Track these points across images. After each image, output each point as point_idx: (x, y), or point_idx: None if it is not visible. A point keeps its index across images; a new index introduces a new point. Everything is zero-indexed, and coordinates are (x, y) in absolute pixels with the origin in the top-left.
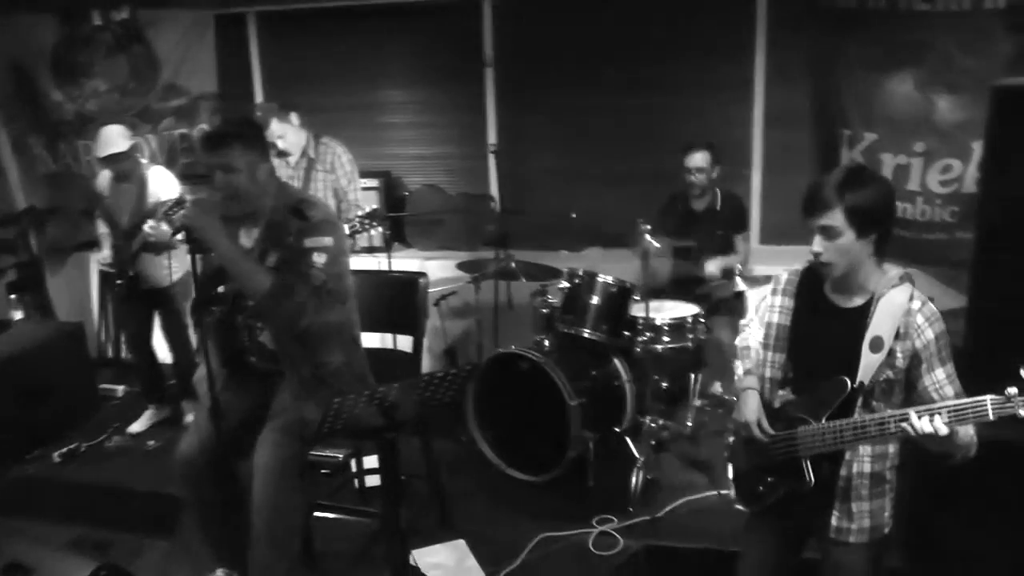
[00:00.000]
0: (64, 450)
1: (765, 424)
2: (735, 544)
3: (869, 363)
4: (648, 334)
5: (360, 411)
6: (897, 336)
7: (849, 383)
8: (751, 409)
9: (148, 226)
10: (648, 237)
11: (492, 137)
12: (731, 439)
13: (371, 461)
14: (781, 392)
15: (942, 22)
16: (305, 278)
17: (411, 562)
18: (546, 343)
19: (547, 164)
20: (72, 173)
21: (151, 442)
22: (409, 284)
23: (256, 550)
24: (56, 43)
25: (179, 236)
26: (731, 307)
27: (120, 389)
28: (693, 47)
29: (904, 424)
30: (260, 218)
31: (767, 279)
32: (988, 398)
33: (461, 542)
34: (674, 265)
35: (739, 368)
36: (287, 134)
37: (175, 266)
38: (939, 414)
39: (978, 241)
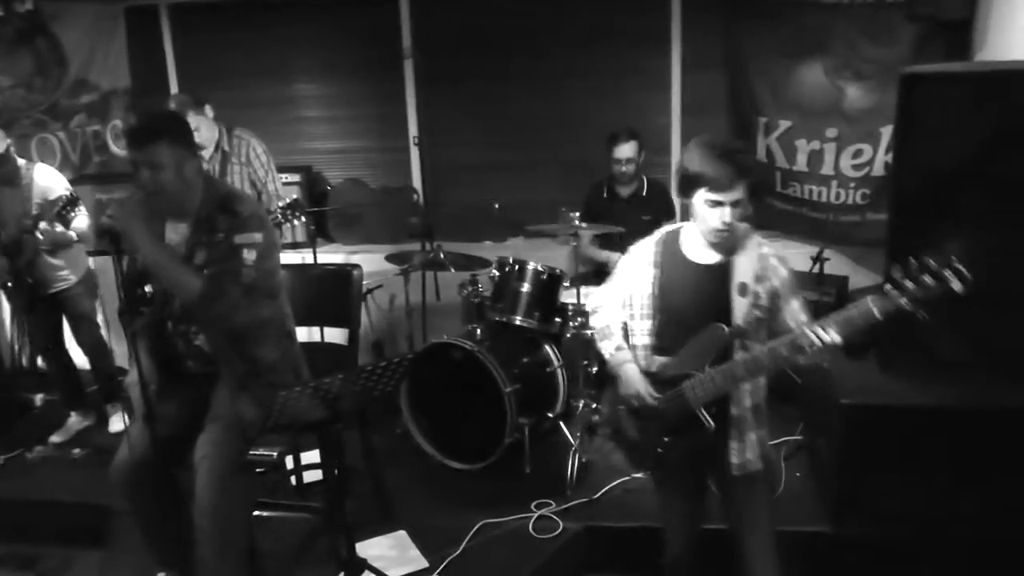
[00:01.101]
0: None
1: (651, 390)
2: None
3: (740, 307)
4: (579, 319)
5: (304, 404)
6: (758, 279)
7: (725, 328)
8: (636, 380)
9: (40, 229)
10: (578, 223)
11: (413, 129)
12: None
13: (308, 457)
14: (655, 357)
15: (846, 12)
16: (235, 277)
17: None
18: (478, 332)
19: (469, 155)
20: None
21: (76, 450)
22: (343, 276)
23: (202, 551)
24: None
25: (103, 239)
26: None
27: (38, 398)
28: (610, 36)
29: (804, 343)
30: (187, 215)
31: None
32: (869, 298)
33: (402, 533)
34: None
35: (608, 346)
36: (201, 127)
37: (70, 269)
38: (829, 328)
39: (891, 219)
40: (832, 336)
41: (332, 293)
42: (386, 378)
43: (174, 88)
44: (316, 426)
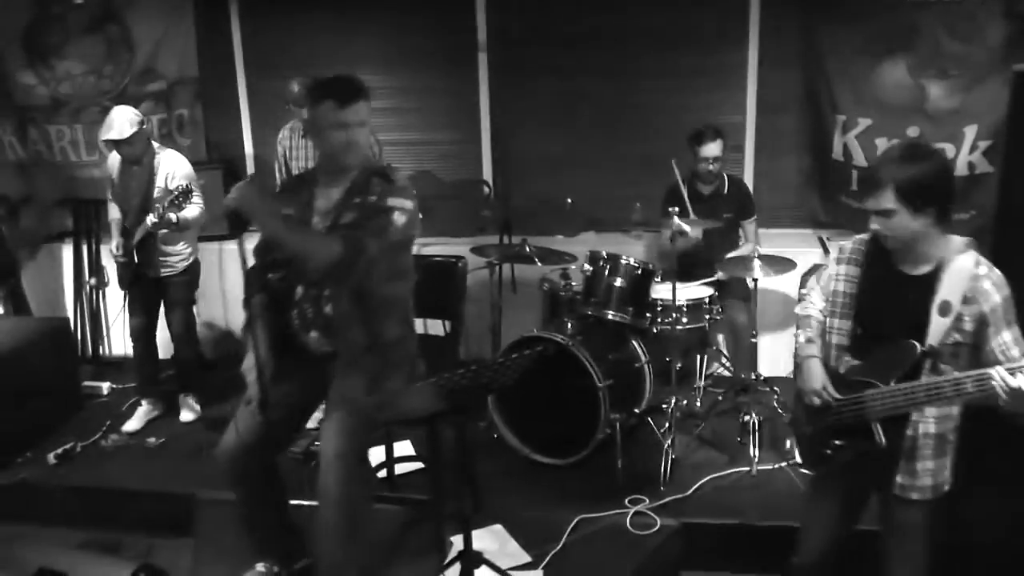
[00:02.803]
0: (59, 451)
1: (831, 389)
2: (767, 518)
3: (938, 327)
4: (672, 315)
5: (428, 398)
6: (965, 301)
7: (918, 346)
8: (816, 376)
9: (150, 218)
10: (677, 219)
11: (486, 123)
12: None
13: (400, 448)
14: (846, 358)
15: (931, 9)
16: (381, 233)
17: (448, 546)
18: (569, 326)
19: (541, 149)
20: (44, 161)
21: (151, 439)
22: (447, 268)
23: (325, 542)
24: (28, 22)
25: (227, 220)
26: (742, 288)
27: (105, 387)
28: (687, 33)
29: (993, 383)
30: (344, 180)
31: (786, 262)
32: None
33: (499, 527)
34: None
35: (800, 336)
36: None
37: (179, 256)
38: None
39: (999, 214)
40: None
41: (436, 285)
42: (509, 372)
43: (241, 77)
44: (428, 419)
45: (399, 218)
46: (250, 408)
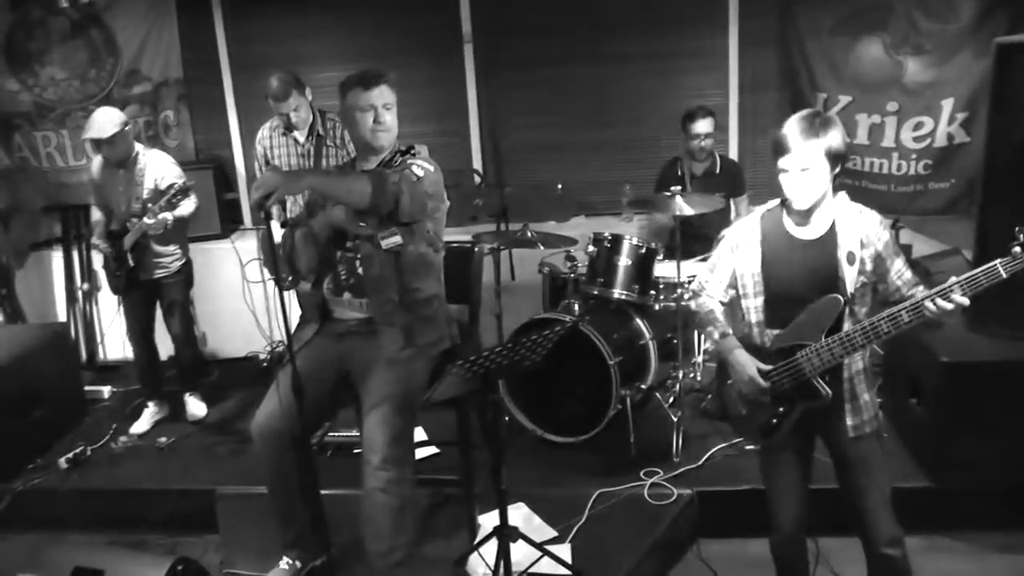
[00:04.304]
0: (70, 455)
1: (762, 367)
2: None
3: (850, 275)
4: (676, 291)
5: (464, 378)
6: (862, 245)
7: (841, 298)
8: (747, 363)
9: (146, 219)
10: (680, 199)
11: (474, 113)
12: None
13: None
14: (769, 331)
15: None
16: (401, 173)
17: (478, 523)
18: (576, 306)
19: (529, 137)
20: (31, 168)
21: (162, 439)
22: (464, 254)
23: (377, 522)
24: (8, 28)
25: (258, 212)
26: None
27: (106, 390)
28: (670, 17)
29: (927, 309)
30: (377, 159)
31: None
32: (997, 261)
33: (522, 504)
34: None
35: (715, 333)
36: (301, 108)
37: (172, 257)
38: (954, 291)
39: (986, 182)
40: (961, 300)
41: (454, 270)
42: (539, 349)
43: (227, 77)
44: (457, 400)
45: (418, 170)
46: (286, 385)
